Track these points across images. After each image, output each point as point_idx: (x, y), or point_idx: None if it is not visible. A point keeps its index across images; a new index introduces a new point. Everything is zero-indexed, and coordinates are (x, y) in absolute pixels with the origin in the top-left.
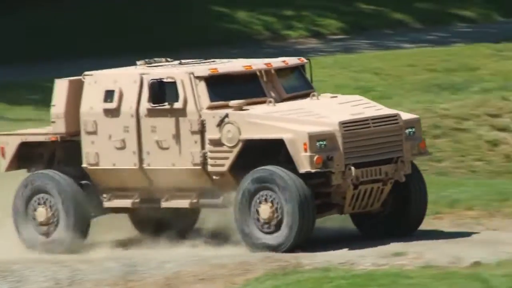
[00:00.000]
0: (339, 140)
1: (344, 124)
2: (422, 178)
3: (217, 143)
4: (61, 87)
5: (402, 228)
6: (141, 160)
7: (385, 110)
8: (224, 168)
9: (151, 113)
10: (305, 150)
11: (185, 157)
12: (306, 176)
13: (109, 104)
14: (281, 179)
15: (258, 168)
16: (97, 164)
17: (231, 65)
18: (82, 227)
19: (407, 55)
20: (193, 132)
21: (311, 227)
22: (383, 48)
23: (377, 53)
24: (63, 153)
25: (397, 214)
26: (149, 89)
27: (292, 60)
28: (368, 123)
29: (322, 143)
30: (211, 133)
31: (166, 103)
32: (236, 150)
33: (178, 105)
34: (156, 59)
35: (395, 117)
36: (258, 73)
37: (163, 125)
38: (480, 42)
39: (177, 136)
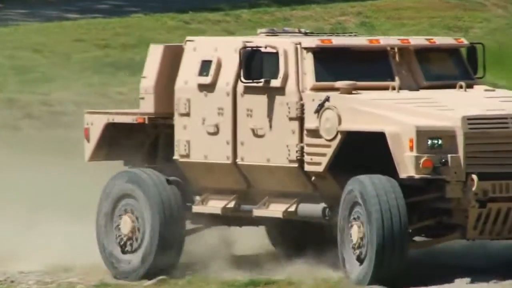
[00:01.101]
0: (461, 140)
1: (470, 120)
2: None
3: (315, 134)
4: (155, 54)
5: None
6: (235, 152)
7: None
8: (320, 168)
9: (247, 91)
10: (411, 148)
11: (280, 151)
12: (409, 186)
13: (204, 78)
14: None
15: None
16: (187, 156)
17: (352, 39)
18: (172, 244)
19: (74, 28)
20: (291, 119)
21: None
22: (44, 20)
23: (37, 26)
24: (166, 142)
25: None
26: (242, 60)
27: (443, 40)
28: (507, 122)
29: (436, 141)
30: (310, 122)
31: (262, 80)
32: (334, 144)
33: (276, 82)
34: (286, 28)
35: None
36: (389, 51)
37: (259, 108)
38: (163, 12)
39: (273, 124)
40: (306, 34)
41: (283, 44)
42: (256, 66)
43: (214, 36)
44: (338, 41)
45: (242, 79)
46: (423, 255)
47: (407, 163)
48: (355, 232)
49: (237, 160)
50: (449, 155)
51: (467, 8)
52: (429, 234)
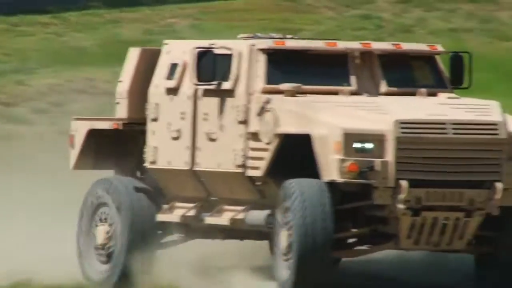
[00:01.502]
0: (391, 145)
1: (403, 124)
2: None
3: (256, 138)
4: (132, 57)
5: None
6: (193, 158)
7: (484, 116)
8: (259, 172)
9: (205, 94)
10: (337, 151)
11: (229, 156)
12: (340, 193)
13: (170, 82)
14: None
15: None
16: (155, 163)
17: (308, 41)
18: (142, 254)
19: None
20: (239, 122)
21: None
22: None
23: None
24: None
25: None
26: (194, 62)
27: (413, 46)
28: (445, 128)
29: (364, 145)
30: (252, 125)
31: (215, 82)
32: (272, 148)
33: (227, 85)
34: (272, 34)
35: (493, 125)
36: (348, 55)
37: (213, 112)
38: None
39: (224, 128)
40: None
41: (238, 45)
42: (209, 67)
43: (190, 40)
44: (292, 43)
45: (195, 81)
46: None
47: (331, 166)
48: (284, 238)
49: (194, 166)
50: (377, 160)
51: (298, 10)
52: (370, 242)
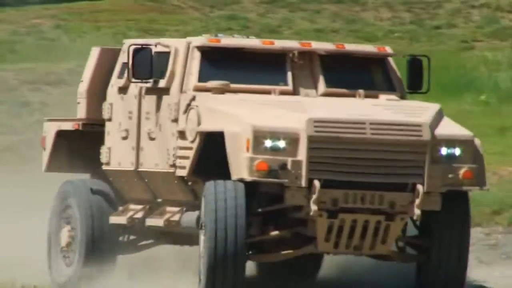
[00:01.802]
0: (304, 143)
1: (317, 123)
2: (465, 223)
3: (183, 136)
4: (92, 57)
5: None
6: (137, 158)
7: (409, 117)
8: (184, 172)
9: (148, 93)
10: (247, 149)
11: (164, 155)
12: (262, 195)
13: (120, 81)
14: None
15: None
16: (108, 163)
17: (245, 40)
18: (102, 256)
19: None
20: (172, 121)
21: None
22: None
23: None
24: None
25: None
26: (131, 58)
27: (358, 47)
28: (364, 128)
29: (275, 143)
30: (180, 123)
31: (151, 80)
32: (195, 146)
33: (162, 82)
34: (235, 35)
35: (416, 126)
36: (287, 54)
37: (153, 110)
38: None
39: (161, 127)
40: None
41: (176, 42)
42: (146, 65)
43: (150, 38)
44: (227, 41)
45: (131, 77)
46: None
47: (241, 164)
48: (201, 242)
49: (138, 167)
50: (289, 159)
51: (163, 11)
52: (293, 245)
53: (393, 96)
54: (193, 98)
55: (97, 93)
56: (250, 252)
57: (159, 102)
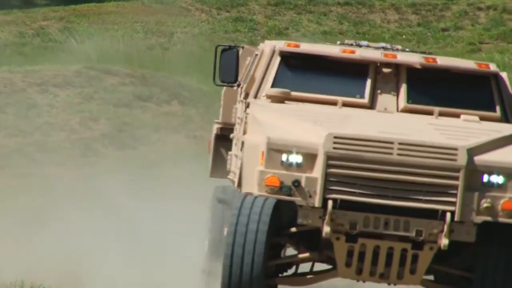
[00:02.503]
0: (321, 160)
1: (337, 139)
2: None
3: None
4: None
5: None
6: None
7: (448, 140)
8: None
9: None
10: (261, 162)
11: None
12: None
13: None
14: None
15: None
16: (229, 172)
17: (327, 46)
18: None
19: None
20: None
21: None
22: None
23: None
24: None
25: None
26: (218, 60)
27: (450, 63)
28: (391, 148)
29: (291, 159)
30: (235, 131)
31: (235, 84)
32: (240, 156)
33: (244, 87)
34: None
35: (451, 150)
36: (369, 65)
37: (241, 117)
38: None
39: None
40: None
41: (265, 46)
42: (231, 67)
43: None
44: (307, 46)
45: (216, 81)
46: None
47: (252, 178)
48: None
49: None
50: (304, 175)
51: (170, 13)
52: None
53: (475, 117)
54: (248, 106)
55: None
56: (280, 275)
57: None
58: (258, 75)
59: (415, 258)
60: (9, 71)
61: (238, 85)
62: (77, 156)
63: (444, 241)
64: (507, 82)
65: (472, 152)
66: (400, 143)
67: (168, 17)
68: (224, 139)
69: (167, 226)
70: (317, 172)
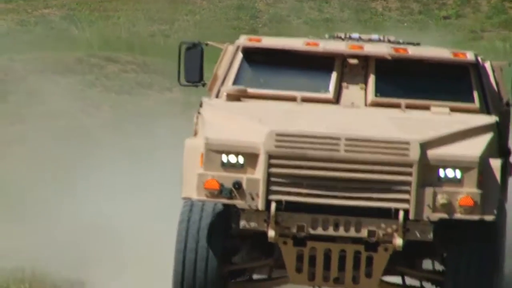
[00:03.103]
0: (262, 160)
1: (279, 136)
2: (487, 259)
3: None
4: None
5: None
6: None
7: (400, 134)
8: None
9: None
10: (200, 165)
11: None
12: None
13: None
14: None
15: None
16: None
17: (289, 40)
18: None
19: None
20: None
21: None
22: None
23: None
24: None
25: None
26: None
27: (422, 53)
28: (337, 144)
29: (231, 160)
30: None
31: (200, 84)
32: None
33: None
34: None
35: (402, 144)
36: (334, 58)
37: None
38: None
39: None
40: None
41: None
42: (195, 66)
43: None
44: (269, 41)
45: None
46: None
47: (191, 182)
48: None
49: None
50: (245, 176)
51: (171, 0)
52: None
53: (445, 109)
54: (201, 105)
55: None
56: (233, 280)
57: None
58: (221, 73)
59: (369, 260)
60: (10, 59)
61: (203, 85)
62: (78, 143)
63: (398, 241)
64: (490, 71)
65: (426, 146)
66: (347, 139)
67: (169, 4)
68: None
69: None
70: (259, 172)
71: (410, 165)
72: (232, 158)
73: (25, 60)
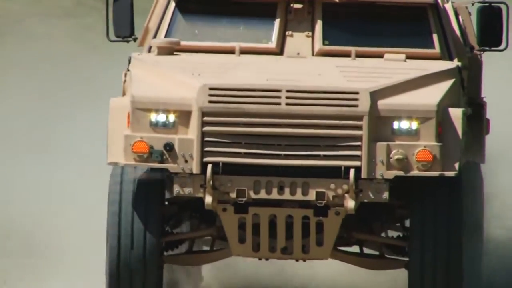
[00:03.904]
0: (196, 117)
1: (211, 90)
2: (454, 218)
3: None
4: None
5: None
6: None
7: (348, 83)
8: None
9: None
10: (128, 125)
11: None
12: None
13: None
14: None
15: None
16: None
17: None
18: None
19: None
20: None
21: None
22: None
23: None
24: None
25: None
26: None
27: None
28: (278, 97)
29: (161, 119)
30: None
31: (131, 38)
32: None
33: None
34: None
35: (351, 94)
36: (277, 4)
37: None
38: None
39: None
40: None
41: None
42: (125, 19)
43: None
44: None
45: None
46: None
47: (117, 145)
48: None
49: None
50: (176, 137)
51: None
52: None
53: (401, 55)
54: (129, 61)
55: None
56: (170, 252)
57: None
58: (152, 25)
59: (320, 226)
60: (9, 1)
61: (135, 40)
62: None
63: (350, 204)
64: (451, 14)
65: (378, 95)
66: (288, 91)
67: None
68: None
69: None
70: (192, 132)
71: (360, 117)
72: (162, 117)
73: (23, 2)
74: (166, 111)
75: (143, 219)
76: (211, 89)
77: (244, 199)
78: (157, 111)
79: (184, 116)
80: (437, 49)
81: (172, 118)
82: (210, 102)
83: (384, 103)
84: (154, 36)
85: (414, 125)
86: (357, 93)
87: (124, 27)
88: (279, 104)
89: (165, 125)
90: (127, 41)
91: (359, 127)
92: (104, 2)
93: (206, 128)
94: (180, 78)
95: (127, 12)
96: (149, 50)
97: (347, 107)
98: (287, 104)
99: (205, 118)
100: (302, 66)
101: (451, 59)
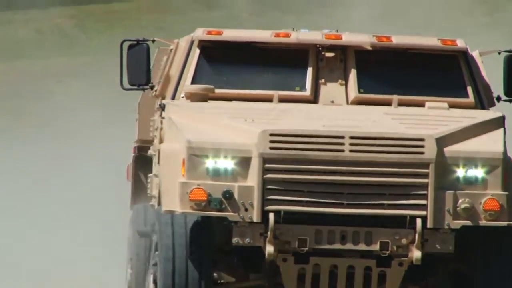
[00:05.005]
0: (256, 164)
1: (272, 136)
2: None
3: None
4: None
5: None
6: None
7: (412, 129)
8: (155, 202)
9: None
10: (182, 173)
11: None
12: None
13: None
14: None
15: None
16: None
17: (257, 32)
18: None
19: None
20: None
21: None
22: None
23: None
24: None
25: None
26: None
27: (409, 40)
28: (342, 144)
29: (219, 166)
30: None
31: (147, 86)
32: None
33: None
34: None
35: (416, 141)
36: (308, 51)
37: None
38: None
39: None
40: None
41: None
42: (141, 66)
43: None
44: (231, 33)
45: (123, 85)
46: None
47: (172, 193)
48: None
49: None
50: (236, 185)
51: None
52: None
53: (443, 104)
54: (163, 108)
55: None
56: None
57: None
58: (174, 72)
59: (382, 277)
60: (28, 64)
61: (152, 88)
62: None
63: (416, 254)
64: (479, 62)
65: (442, 142)
66: (351, 137)
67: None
68: (143, 161)
69: None
70: (252, 179)
71: (426, 165)
72: (220, 164)
73: (42, 64)
74: (224, 157)
75: (197, 267)
76: (272, 135)
77: (305, 248)
78: (214, 157)
79: (242, 162)
80: (471, 98)
81: (230, 164)
82: (271, 148)
83: (449, 150)
84: (177, 84)
85: (481, 173)
86: (422, 139)
87: (139, 75)
88: (342, 151)
89: (223, 172)
90: (143, 89)
91: (425, 175)
92: None
93: (268, 176)
94: (233, 124)
95: (143, 60)
96: (173, 97)
97: (412, 154)
98: (351, 151)
99: (267, 165)
100: (351, 114)
101: (483, 107)
